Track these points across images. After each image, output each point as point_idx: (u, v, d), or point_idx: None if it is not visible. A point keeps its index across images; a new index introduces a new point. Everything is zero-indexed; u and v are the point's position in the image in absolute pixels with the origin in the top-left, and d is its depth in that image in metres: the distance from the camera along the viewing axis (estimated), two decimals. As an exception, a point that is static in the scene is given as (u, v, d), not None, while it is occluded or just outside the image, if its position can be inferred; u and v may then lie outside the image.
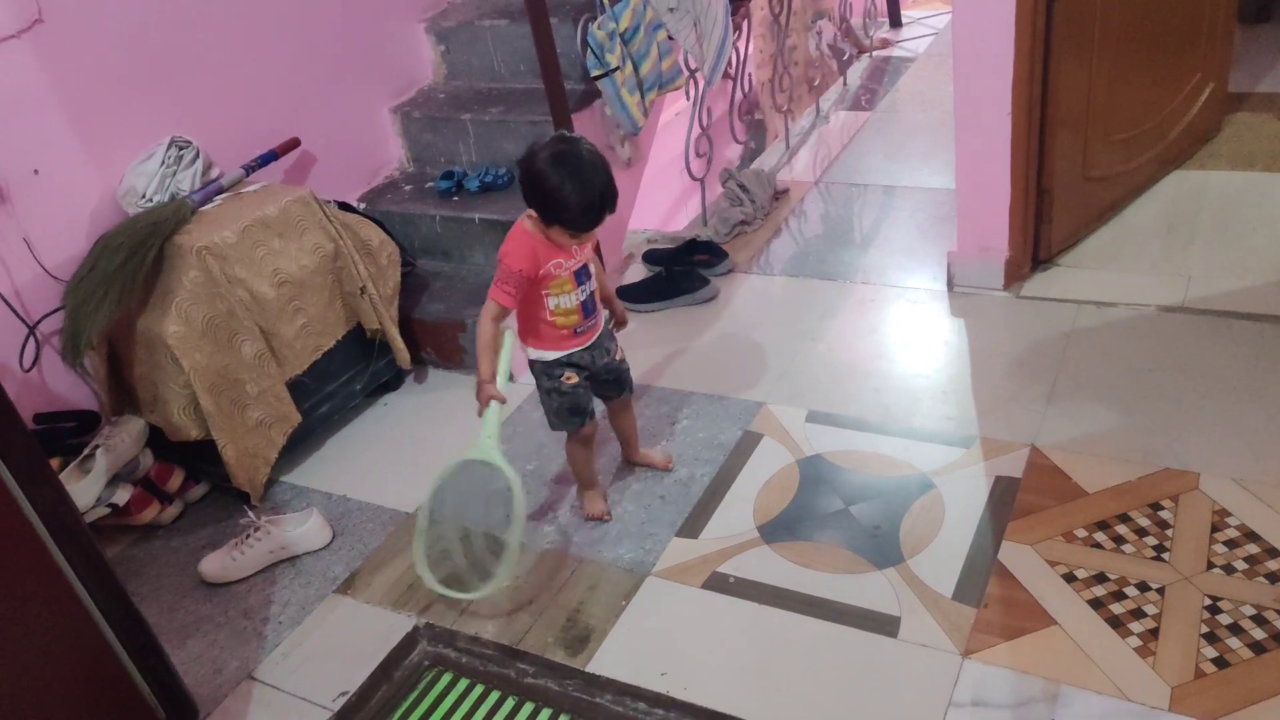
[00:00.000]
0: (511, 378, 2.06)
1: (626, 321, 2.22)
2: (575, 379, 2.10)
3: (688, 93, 3.21)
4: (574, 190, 1.83)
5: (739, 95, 3.55)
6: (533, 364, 2.11)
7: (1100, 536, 1.96)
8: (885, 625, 1.87)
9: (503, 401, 1.99)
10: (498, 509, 2.11)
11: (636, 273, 3.17)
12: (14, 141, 2.26)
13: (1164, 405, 2.26)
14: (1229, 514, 1.96)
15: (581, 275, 2.00)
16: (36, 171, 2.31)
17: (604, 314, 2.13)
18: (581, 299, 2.02)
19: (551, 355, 2.07)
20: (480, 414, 2.00)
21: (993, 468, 2.19)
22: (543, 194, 1.86)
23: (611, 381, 2.20)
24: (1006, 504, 2.08)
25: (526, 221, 1.95)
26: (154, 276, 2.33)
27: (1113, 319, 2.58)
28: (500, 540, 2.10)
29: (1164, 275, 2.69)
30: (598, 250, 2.13)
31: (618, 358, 2.18)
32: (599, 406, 2.25)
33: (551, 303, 2.00)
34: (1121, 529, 1.97)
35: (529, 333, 2.06)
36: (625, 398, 2.25)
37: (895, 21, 5.02)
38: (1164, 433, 2.18)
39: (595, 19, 2.80)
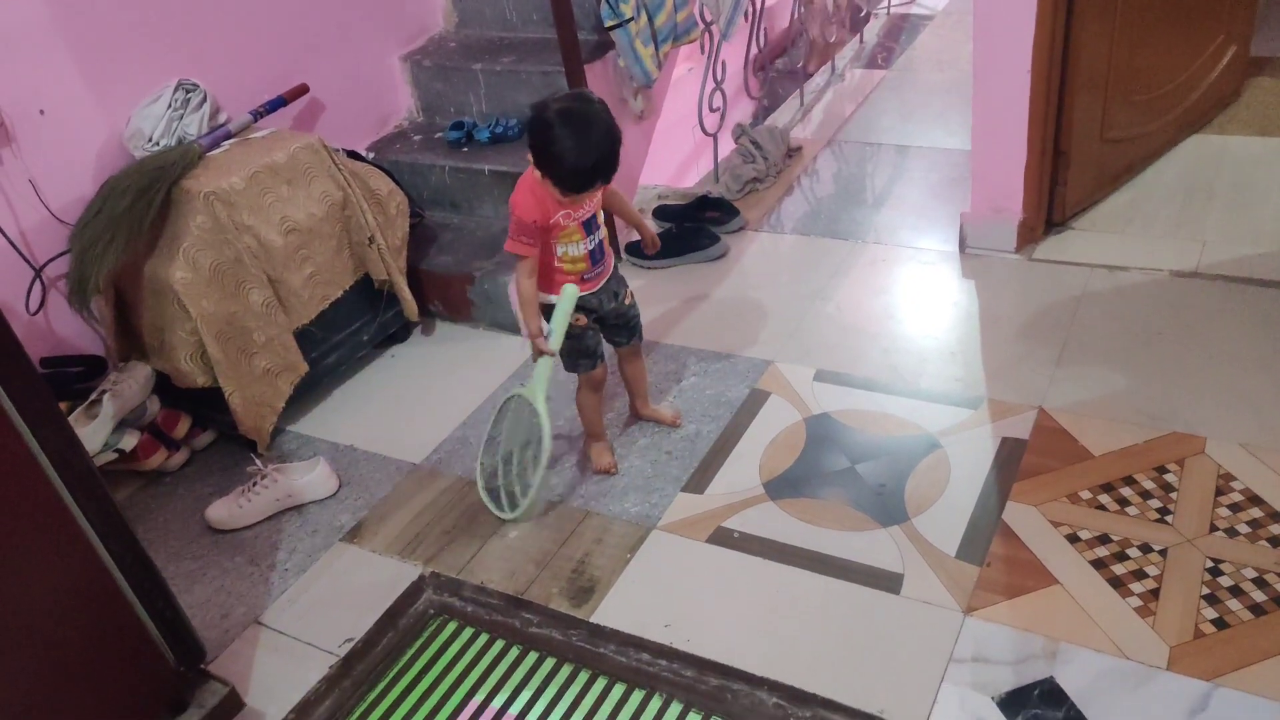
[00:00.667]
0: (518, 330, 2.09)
1: (657, 243, 2.26)
2: (584, 320, 2.11)
3: (703, 45, 3.16)
4: (572, 150, 1.83)
5: (754, 50, 3.50)
6: (543, 308, 2.11)
7: (1105, 498, 1.96)
8: (888, 582, 1.88)
9: (553, 355, 2.05)
10: (532, 448, 2.17)
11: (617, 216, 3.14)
12: (20, 80, 2.24)
13: (1173, 370, 2.25)
14: (1234, 478, 1.95)
15: (590, 225, 2.01)
16: (42, 112, 2.29)
17: (612, 259, 2.13)
18: (589, 248, 2.03)
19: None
20: (534, 360, 2.09)
21: (999, 429, 2.18)
22: (543, 144, 1.86)
23: (620, 326, 2.20)
24: (1012, 465, 2.08)
25: (534, 171, 1.94)
26: (161, 221, 2.32)
27: (1125, 283, 2.56)
28: (526, 479, 2.17)
29: (1179, 240, 2.67)
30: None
31: (626, 302, 2.19)
32: (610, 356, 2.25)
33: (560, 250, 2.01)
34: (1126, 491, 1.97)
35: (544, 278, 2.06)
36: (635, 344, 2.25)
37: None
38: (1172, 397, 2.17)
39: (609, -33, 2.75)
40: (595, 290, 2.09)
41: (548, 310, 2.08)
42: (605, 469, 2.25)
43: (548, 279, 2.06)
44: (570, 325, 2.09)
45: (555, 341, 2.04)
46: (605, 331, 2.20)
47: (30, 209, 2.30)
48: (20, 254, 2.29)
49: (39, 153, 2.30)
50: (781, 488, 2.14)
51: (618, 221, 2.78)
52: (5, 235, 2.24)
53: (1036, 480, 2.03)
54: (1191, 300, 2.45)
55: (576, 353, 2.15)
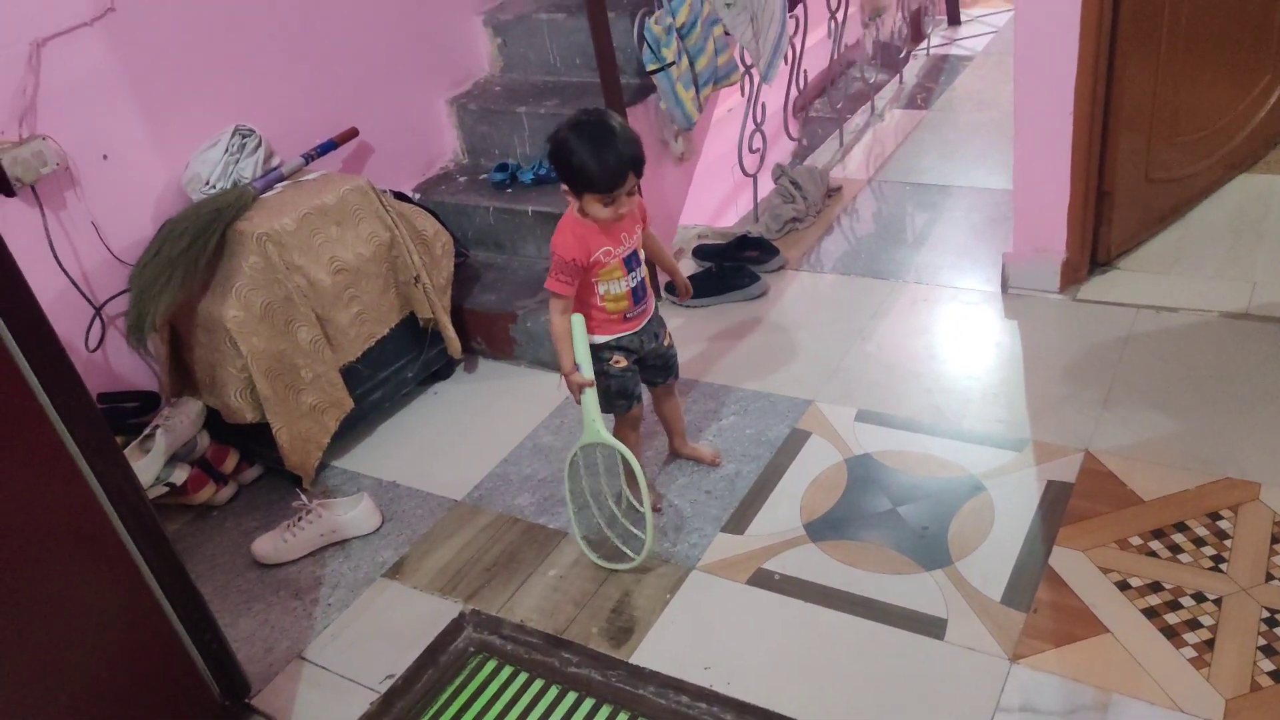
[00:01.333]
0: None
1: (689, 291, 2.28)
2: (624, 362, 2.12)
3: (743, 88, 3.20)
4: (591, 151, 1.87)
5: (794, 92, 3.53)
6: (593, 348, 2.12)
7: (1156, 545, 1.92)
8: (932, 627, 1.85)
9: (592, 385, 2.04)
10: (617, 481, 2.22)
11: (686, 268, 3.16)
12: (85, 127, 2.33)
13: (1225, 413, 2.21)
14: (1291, 526, 1.91)
15: (631, 262, 2.03)
16: (105, 157, 2.38)
17: (654, 300, 2.15)
18: (631, 285, 2.04)
19: (603, 339, 2.10)
20: (578, 402, 2.07)
21: (1044, 472, 2.15)
22: (565, 161, 1.90)
23: (659, 367, 2.22)
24: (1058, 509, 2.05)
25: (572, 211, 1.98)
26: (216, 261, 2.38)
27: (1173, 324, 2.53)
28: (636, 508, 2.19)
29: (1228, 281, 2.63)
30: (646, 223, 2.15)
31: (665, 343, 2.20)
32: (645, 395, 2.26)
33: (601, 289, 2.03)
34: (1178, 538, 1.93)
35: (587, 317, 2.08)
36: (670, 383, 2.26)
37: (954, 19, 4.96)
38: (1224, 442, 2.13)
39: (652, 13, 2.80)
40: (637, 330, 2.11)
41: (596, 349, 2.10)
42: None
43: (588, 317, 2.08)
44: (609, 366, 2.10)
45: (586, 371, 2.04)
46: (643, 372, 2.21)
47: (92, 250, 2.38)
48: (81, 293, 2.36)
49: (101, 196, 2.38)
50: (823, 529, 2.12)
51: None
52: (68, 275, 2.32)
53: (1084, 525, 2.00)
54: (1242, 342, 2.41)
55: (614, 394, 2.15)
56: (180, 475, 2.41)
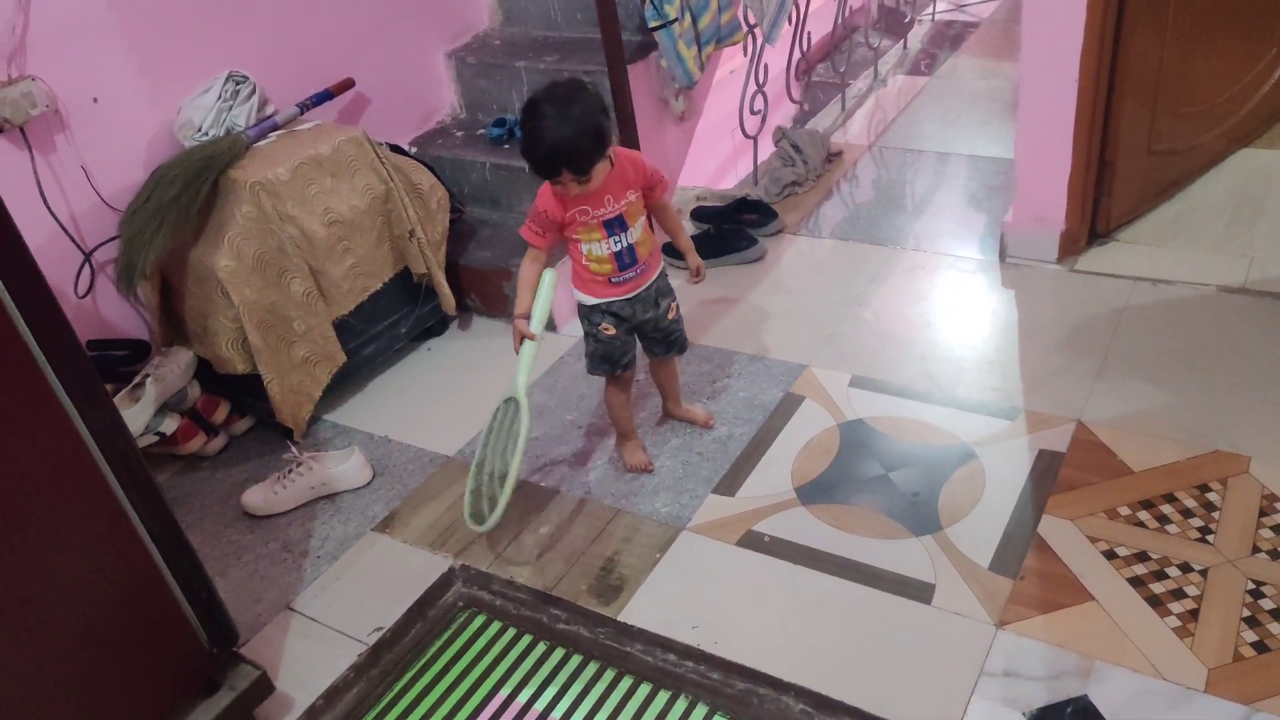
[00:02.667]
0: (553, 326, 2.08)
1: (702, 274, 2.22)
2: (613, 331, 2.10)
3: (745, 48, 3.16)
4: (540, 133, 1.84)
5: (797, 54, 3.49)
6: (578, 307, 2.12)
7: (1144, 515, 1.93)
8: (920, 592, 1.86)
9: (532, 339, 2.03)
10: (510, 444, 2.07)
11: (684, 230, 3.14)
12: (75, 69, 2.28)
13: (1218, 387, 2.21)
14: (1278, 499, 1.92)
15: (613, 226, 1.98)
16: (96, 100, 2.33)
17: (657, 270, 2.11)
18: (614, 249, 2.01)
19: (590, 300, 2.08)
20: (516, 350, 2.05)
21: (1036, 441, 2.16)
22: (521, 124, 1.90)
23: (657, 339, 2.19)
24: (1049, 478, 2.06)
25: None
26: (208, 210, 2.35)
27: (1169, 297, 2.52)
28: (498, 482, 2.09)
29: (1226, 255, 2.62)
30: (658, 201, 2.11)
31: (670, 316, 2.16)
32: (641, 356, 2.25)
33: (584, 248, 2.01)
34: (1166, 509, 1.94)
35: (575, 275, 2.09)
36: (670, 356, 2.24)
37: (959, -15, 4.89)
38: (1216, 415, 2.14)
39: (655, -32, 2.76)
40: (628, 297, 2.08)
41: (587, 310, 2.09)
42: (640, 467, 2.25)
43: (580, 277, 2.07)
44: (598, 331, 2.09)
45: (535, 324, 2.02)
46: (643, 342, 2.19)
47: (82, 195, 2.35)
48: (71, 238, 2.33)
49: (91, 140, 2.34)
50: (814, 493, 2.13)
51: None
52: (57, 219, 2.29)
53: (1073, 494, 2.01)
54: (1238, 316, 2.41)
55: (598, 358, 2.14)
56: (170, 425, 2.40)
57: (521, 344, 2.04)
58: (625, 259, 2.03)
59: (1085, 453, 2.10)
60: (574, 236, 2.00)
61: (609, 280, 2.04)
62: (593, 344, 2.13)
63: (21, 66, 2.20)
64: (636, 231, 2.02)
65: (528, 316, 2.03)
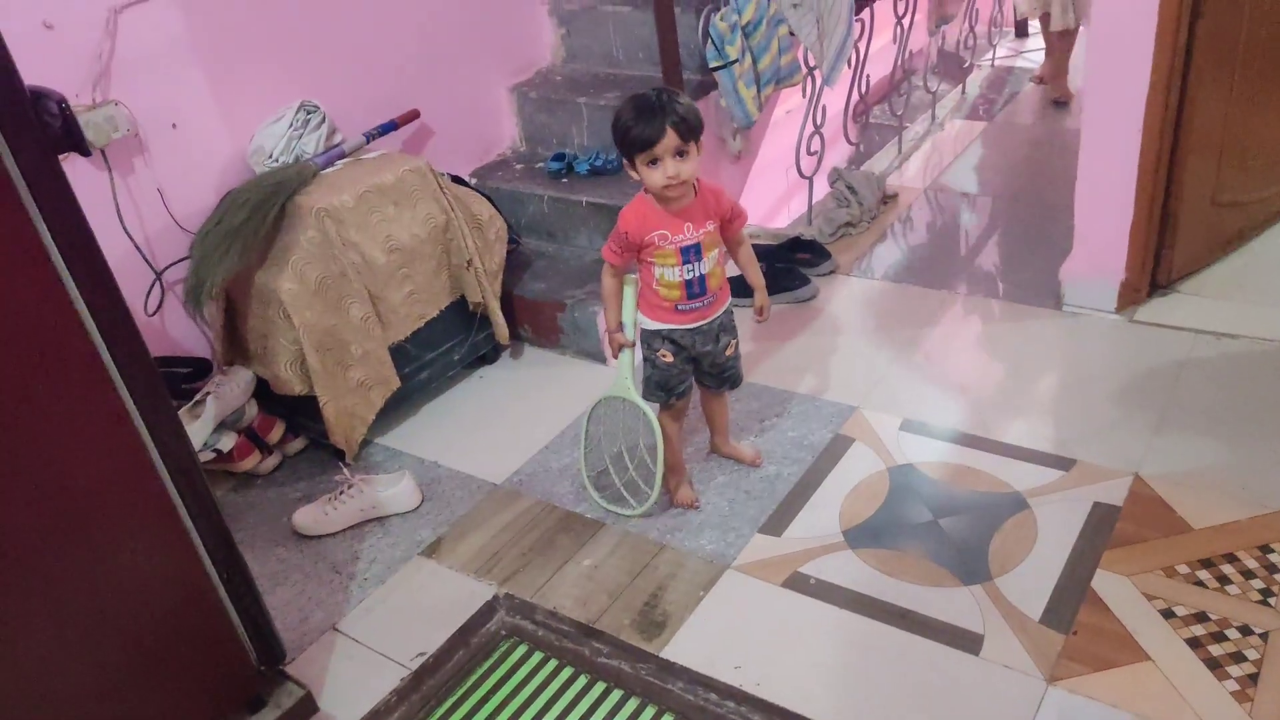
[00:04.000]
0: (603, 359, 2.17)
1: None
2: (670, 358, 2.13)
3: (804, 90, 3.18)
4: (635, 110, 1.90)
5: (855, 96, 3.50)
6: (641, 331, 2.16)
7: (1203, 574, 1.89)
8: (968, 642, 1.83)
9: (630, 346, 2.16)
10: (643, 438, 2.26)
11: (737, 267, 3.15)
12: (156, 96, 2.37)
13: (1282, 446, 2.16)
14: (1346, 565, 1.86)
15: (689, 253, 2.02)
16: (175, 125, 2.42)
17: (724, 305, 2.13)
18: (686, 277, 2.03)
19: (653, 325, 2.11)
20: (615, 357, 2.20)
21: (1091, 493, 2.12)
22: (615, 126, 1.94)
23: (713, 374, 2.21)
24: (1104, 531, 2.02)
25: (644, 192, 2.03)
26: (274, 234, 2.42)
27: (1233, 351, 2.47)
28: (648, 463, 2.24)
29: (1292, 311, 2.57)
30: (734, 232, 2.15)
31: (728, 353, 2.18)
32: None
33: (656, 272, 2.04)
34: (1227, 569, 1.89)
35: (642, 298, 2.13)
36: (723, 391, 2.26)
37: (1020, 31, 4.89)
38: (1279, 474, 2.08)
39: (718, 9, 2.80)
40: (689, 327, 2.10)
41: (648, 335, 2.13)
42: (685, 503, 2.25)
43: (647, 300, 2.11)
44: (656, 357, 2.12)
45: (629, 332, 2.15)
46: (697, 373, 2.20)
47: (156, 215, 2.43)
48: (144, 257, 2.41)
49: (167, 164, 2.42)
50: (861, 537, 2.11)
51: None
52: (132, 239, 2.37)
53: (1129, 550, 1.97)
54: (1304, 374, 2.36)
55: (654, 384, 2.17)
56: (227, 442, 2.45)
57: (619, 352, 2.17)
58: (695, 288, 2.05)
59: (1142, 507, 2.06)
60: (649, 260, 2.04)
61: (675, 307, 2.07)
62: (650, 369, 2.16)
63: (106, 91, 2.29)
64: (709, 262, 2.05)
65: (620, 328, 2.14)
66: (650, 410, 2.17)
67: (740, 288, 2.22)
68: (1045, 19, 4.00)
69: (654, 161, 1.91)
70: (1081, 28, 3.93)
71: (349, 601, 2.15)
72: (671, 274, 2.03)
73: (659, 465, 2.18)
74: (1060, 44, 4.09)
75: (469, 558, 2.22)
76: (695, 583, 2.06)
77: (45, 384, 1.45)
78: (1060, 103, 4.12)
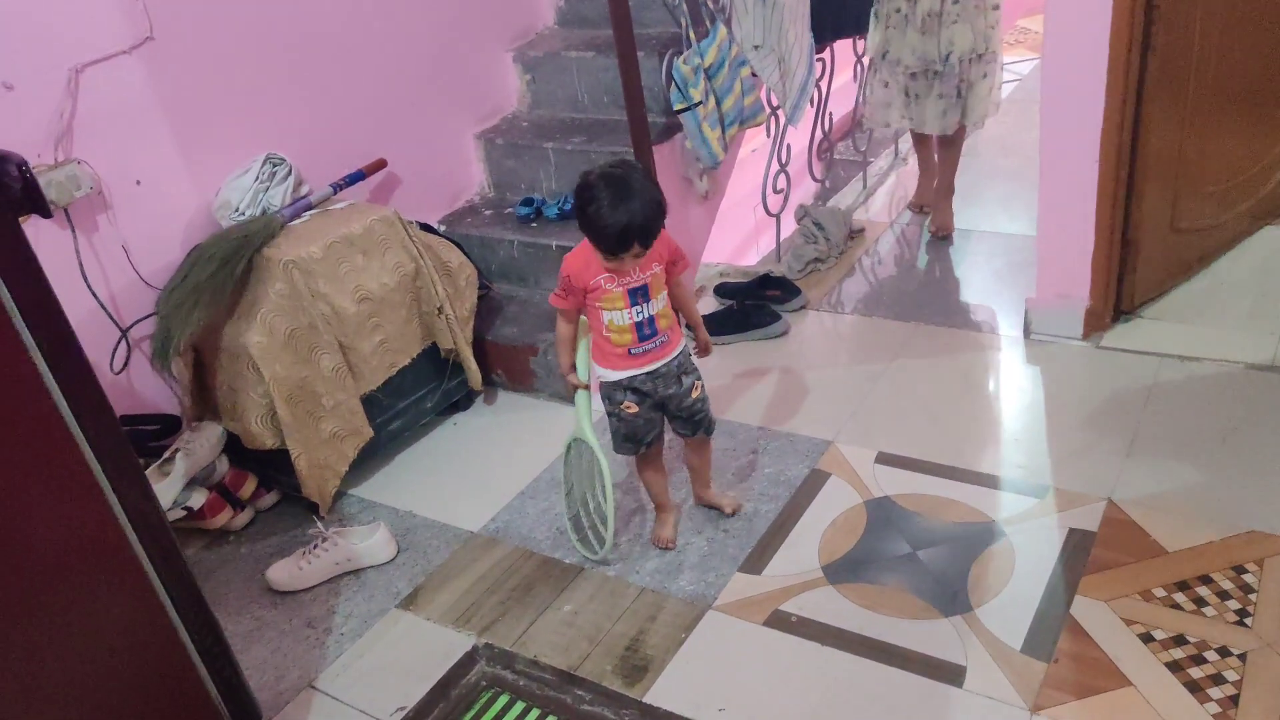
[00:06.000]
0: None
1: (709, 349, 2.21)
2: (635, 409, 2.10)
3: (768, 129, 3.22)
4: (607, 210, 1.87)
5: (819, 133, 3.55)
6: (601, 383, 2.14)
7: (1180, 597, 1.90)
8: (951, 675, 1.82)
9: (584, 387, 2.17)
10: (598, 480, 2.24)
11: (708, 305, 3.17)
12: (120, 152, 2.36)
13: (1250, 466, 2.18)
14: (1319, 582, 1.88)
15: (637, 295, 2.01)
16: (139, 182, 2.41)
17: (679, 345, 2.12)
18: (636, 319, 2.02)
19: (612, 375, 2.09)
20: (571, 400, 2.22)
21: (1066, 519, 2.13)
22: (582, 205, 1.92)
23: (683, 419, 2.17)
24: (1080, 557, 2.02)
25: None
26: (242, 287, 2.40)
27: (1198, 374, 2.51)
28: (603, 507, 2.23)
29: (1253, 333, 2.61)
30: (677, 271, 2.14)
31: (694, 395, 2.14)
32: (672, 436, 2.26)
33: (605, 317, 2.03)
34: (1202, 590, 1.90)
35: (596, 349, 2.11)
36: (701, 437, 2.23)
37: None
38: (1249, 494, 2.11)
39: (681, 54, 2.84)
40: (647, 370, 2.07)
41: (609, 388, 2.11)
42: (661, 542, 2.24)
43: (600, 349, 2.09)
44: (620, 410, 2.11)
45: (581, 373, 2.16)
46: (670, 421, 2.19)
47: (121, 272, 2.41)
48: (109, 315, 2.39)
49: (132, 220, 2.41)
50: (841, 571, 2.10)
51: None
52: (96, 297, 2.35)
53: (1106, 575, 1.97)
54: (1268, 394, 2.39)
55: (621, 436, 2.16)
56: (198, 499, 2.42)
57: (575, 394, 2.18)
58: (646, 330, 2.04)
59: (1117, 532, 2.07)
60: (597, 304, 2.02)
61: (628, 351, 2.05)
62: (616, 423, 2.14)
63: (68, 150, 2.29)
64: (659, 303, 2.04)
65: (573, 369, 2.16)
66: (600, 453, 2.16)
67: (711, 328, 2.24)
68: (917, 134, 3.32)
69: (610, 261, 1.95)
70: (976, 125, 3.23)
71: (326, 658, 2.11)
72: (620, 318, 2.02)
73: (610, 508, 2.17)
74: (943, 153, 3.34)
75: (447, 608, 2.19)
76: (676, 625, 2.04)
77: (6, 447, 1.43)
78: (941, 237, 3.38)
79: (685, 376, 2.13)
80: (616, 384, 2.10)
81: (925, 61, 3.05)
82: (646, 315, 2.03)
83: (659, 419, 2.16)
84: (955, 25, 2.94)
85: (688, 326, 2.19)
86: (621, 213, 1.87)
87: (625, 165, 1.97)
